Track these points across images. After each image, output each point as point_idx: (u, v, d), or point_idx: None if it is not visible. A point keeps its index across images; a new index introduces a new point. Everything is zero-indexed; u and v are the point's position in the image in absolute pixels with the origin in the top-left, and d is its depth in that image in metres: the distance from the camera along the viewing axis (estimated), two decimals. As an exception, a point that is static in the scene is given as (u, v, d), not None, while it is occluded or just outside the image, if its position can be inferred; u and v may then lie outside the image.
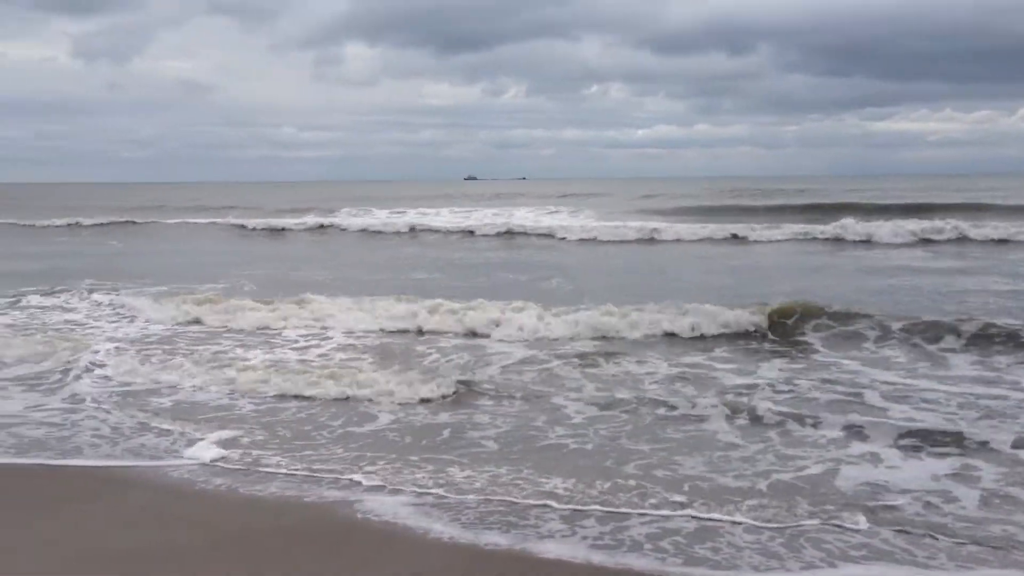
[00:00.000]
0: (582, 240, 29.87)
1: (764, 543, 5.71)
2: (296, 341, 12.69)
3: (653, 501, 6.41)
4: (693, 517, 6.13)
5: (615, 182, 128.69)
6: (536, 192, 70.28)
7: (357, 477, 7.07)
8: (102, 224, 42.20)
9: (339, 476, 7.12)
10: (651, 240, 29.01)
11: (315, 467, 7.34)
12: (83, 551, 5.68)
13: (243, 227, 38.32)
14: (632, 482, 6.82)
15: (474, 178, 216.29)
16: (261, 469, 7.30)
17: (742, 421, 8.35)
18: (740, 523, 6.02)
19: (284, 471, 7.24)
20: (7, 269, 22.45)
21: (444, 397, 9.43)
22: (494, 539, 5.85)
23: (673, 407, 8.83)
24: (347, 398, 9.45)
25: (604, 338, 12.31)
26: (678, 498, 6.46)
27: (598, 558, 5.54)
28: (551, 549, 5.67)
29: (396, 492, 6.73)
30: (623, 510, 6.29)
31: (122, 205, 56.05)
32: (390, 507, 6.43)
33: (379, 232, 35.25)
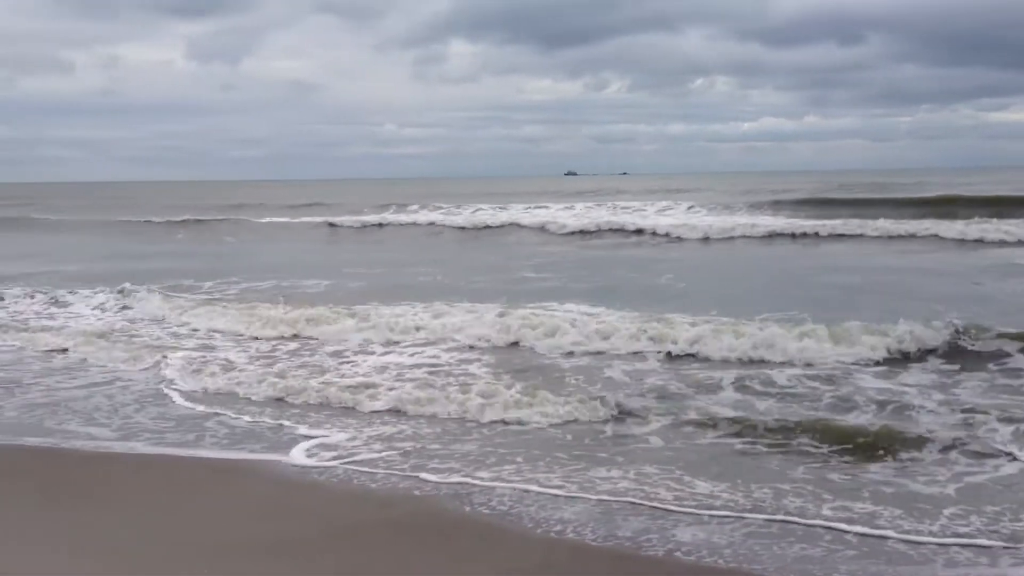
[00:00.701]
0: (706, 238, 27.74)
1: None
2: (422, 350, 11.88)
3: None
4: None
5: (721, 176, 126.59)
6: (638, 187, 69.47)
7: (466, 472, 7.17)
8: (217, 220, 43.32)
9: (448, 470, 7.23)
10: (770, 236, 27.07)
11: (428, 463, 7.45)
12: (205, 540, 5.93)
13: (351, 225, 38.34)
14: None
15: (574, 173, 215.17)
16: (371, 467, 7.46)
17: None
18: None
19: (396, 468, 7.39)
20: (152, 267, 23.43)
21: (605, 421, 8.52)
22: (603, 537, 5.87)
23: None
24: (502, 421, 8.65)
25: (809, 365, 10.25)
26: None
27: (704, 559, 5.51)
28: (656, 548, 5.68)
29: (505, 487, 6.80)
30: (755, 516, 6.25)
31: (227, 203, 57.26)
32: (498, 501, 6.53)
33: (485, 227, 34.80)
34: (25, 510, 6.52)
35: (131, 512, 6.44)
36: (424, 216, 40.06)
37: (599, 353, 11.24)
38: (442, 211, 41.79)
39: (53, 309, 16.08)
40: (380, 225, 37.66)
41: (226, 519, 6.32)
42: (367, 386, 9.75)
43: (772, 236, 27.07)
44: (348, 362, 11.21)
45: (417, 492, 6.78)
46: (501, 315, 12.62)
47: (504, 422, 8.53)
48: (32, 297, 17.02)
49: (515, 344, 11.84)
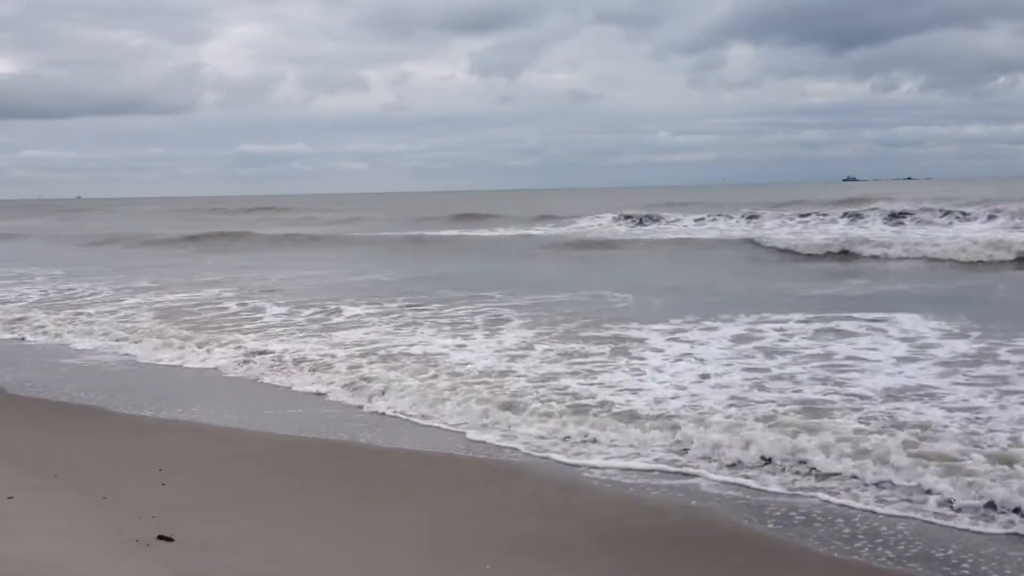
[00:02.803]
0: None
1: None
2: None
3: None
4: None
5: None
6: (923, 192, 64.57)
7: (752, 483, 6.89)
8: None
9: (731, 482, 6.98)
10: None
11: (709, 473, 7.23)
12: (475, 536, 5.99)
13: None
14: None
15: (853, 179, 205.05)
16: (644, 473, 7.33)
17: None
18: None
19: (669, 474, 7.23)
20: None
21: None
22: (896, 561, 5.41)
23: None
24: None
25: None
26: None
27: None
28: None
29: (793, 502, 6.46)
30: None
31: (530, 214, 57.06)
32: (780, 517, 6.19)
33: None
34: (326, 500, 6.87)
35: (418, 506, 6.63)
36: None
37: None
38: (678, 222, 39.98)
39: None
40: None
41: (497, 516, 6.37)
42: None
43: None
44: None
45: (693, 501, 6.57)
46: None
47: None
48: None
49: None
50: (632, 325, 13.61)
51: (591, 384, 9.99)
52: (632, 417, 8.63)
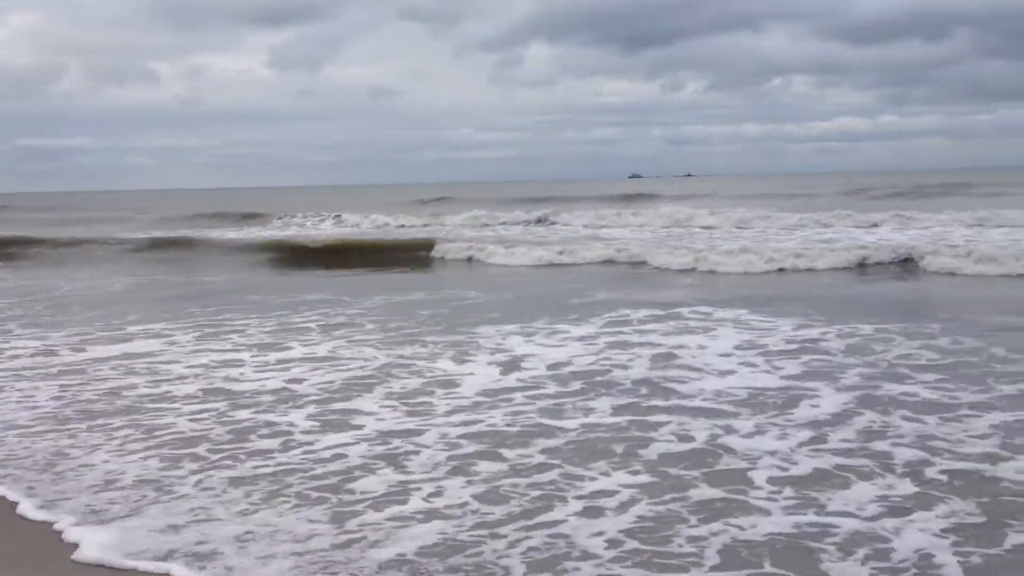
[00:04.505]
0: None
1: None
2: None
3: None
4: None
5: (771, 177, 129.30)
6: (696, 188, 70.52)
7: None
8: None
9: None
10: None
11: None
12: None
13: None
14: None
15: (639, 176, 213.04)
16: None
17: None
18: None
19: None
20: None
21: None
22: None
23: None
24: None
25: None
26: None
27: None
28: None
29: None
30: None
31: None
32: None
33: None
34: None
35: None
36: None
37: None
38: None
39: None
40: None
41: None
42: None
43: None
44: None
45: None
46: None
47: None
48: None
49: None
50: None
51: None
52: None
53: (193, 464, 7.20)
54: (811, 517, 5.81)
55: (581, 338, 12.03)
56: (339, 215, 45.62)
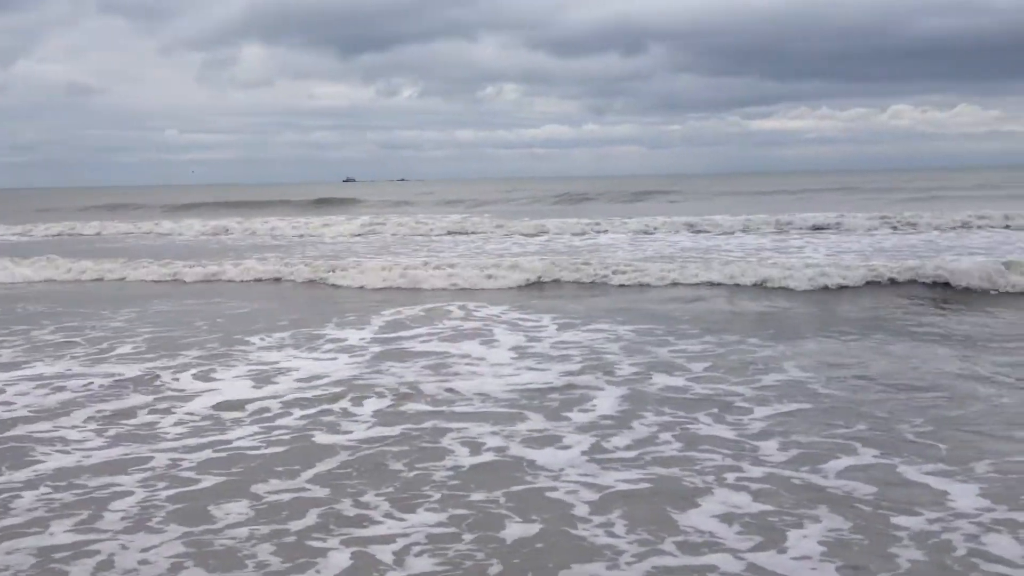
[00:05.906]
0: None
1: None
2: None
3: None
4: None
5: (482, 181, 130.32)
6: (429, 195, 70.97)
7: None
8: None
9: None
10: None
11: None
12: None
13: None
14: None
15: (352, 180, 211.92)
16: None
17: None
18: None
19: None
20: None
21: None
22: None
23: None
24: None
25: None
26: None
27: None
28: None
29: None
30: None
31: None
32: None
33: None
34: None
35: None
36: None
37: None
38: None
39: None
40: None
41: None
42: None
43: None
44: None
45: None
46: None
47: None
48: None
49: None
50: None
51: None
52: None
53: None
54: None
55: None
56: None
